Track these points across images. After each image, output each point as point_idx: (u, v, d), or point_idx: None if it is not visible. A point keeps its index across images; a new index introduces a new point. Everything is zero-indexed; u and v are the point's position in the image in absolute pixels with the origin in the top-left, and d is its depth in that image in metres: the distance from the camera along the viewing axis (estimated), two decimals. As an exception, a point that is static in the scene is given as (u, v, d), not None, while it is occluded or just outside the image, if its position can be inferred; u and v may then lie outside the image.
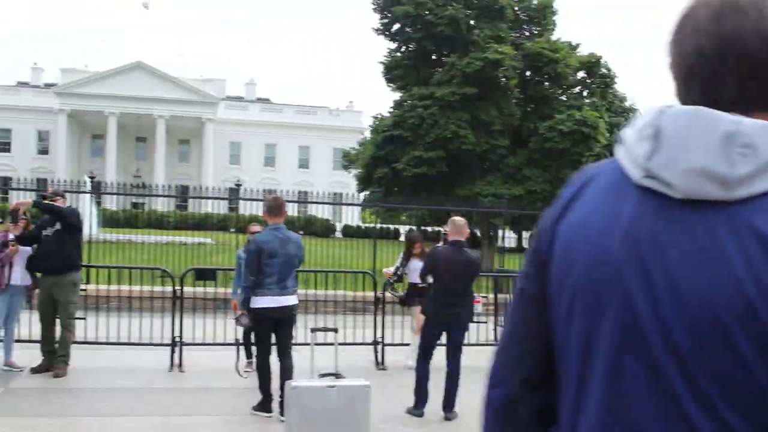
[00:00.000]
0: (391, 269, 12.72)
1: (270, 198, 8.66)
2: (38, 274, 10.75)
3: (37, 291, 10.74)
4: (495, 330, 15.13)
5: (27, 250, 10.57)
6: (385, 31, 39.00)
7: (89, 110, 75.32)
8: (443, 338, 9.30)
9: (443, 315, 8.97)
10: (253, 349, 9.62)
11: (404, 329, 13.31)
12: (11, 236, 10.38)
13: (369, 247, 23.12)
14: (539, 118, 36.75)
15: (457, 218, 9.48)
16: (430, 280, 9.31)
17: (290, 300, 8.39)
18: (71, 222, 10.45)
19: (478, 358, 11.15)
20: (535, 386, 1.54)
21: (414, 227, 42.82)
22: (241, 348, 10.27)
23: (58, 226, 10.42)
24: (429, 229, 44.59)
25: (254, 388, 8.87)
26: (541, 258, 1.51)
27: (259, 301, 8.23)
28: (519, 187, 35.39)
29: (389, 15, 38.12)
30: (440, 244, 11.01)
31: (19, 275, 10.48)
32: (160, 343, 11.86)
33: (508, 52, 35.28)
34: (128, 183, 68.57)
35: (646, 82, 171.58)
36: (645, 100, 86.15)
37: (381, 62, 39.61)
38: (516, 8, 39.08)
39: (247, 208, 28.31)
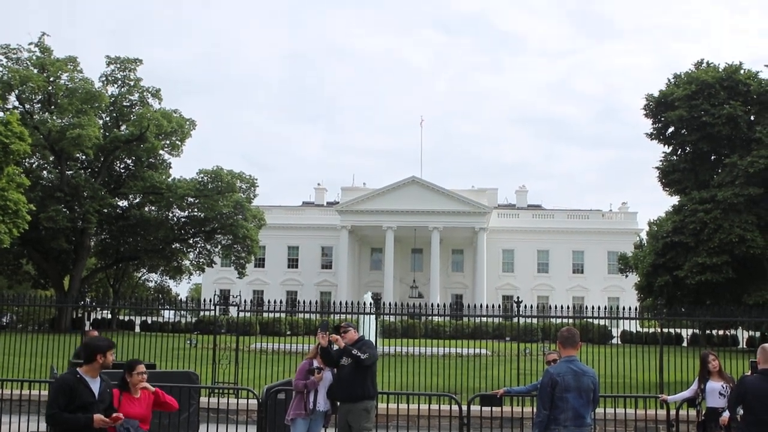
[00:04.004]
0: (680, 395, 12.16)
1: (564, 330, 8.42)
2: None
3: (334, 416, 11.20)
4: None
5: (329, 378, 11.09)
6: (658, 135, 38.20)
7: (368, 225, 79.08)
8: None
9: (757, 449, 8.38)
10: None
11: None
12: (315, 364, 10.97)
13: (653, 356, 22.09)
14: (841, 216, 34.19)
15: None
16: (741, 411, 8.74)
17: None
18: (367, 364, 10.84)
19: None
20: None
21: (697, 331, 40.68)
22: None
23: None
24: (713, 332, 42.20)
25: None
26: None
27: None
28: (818, 292, 32.84)
29: (662, 119, 37.32)
30: (749, 373, 10.34)
31: (322, 401, 11.02)
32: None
33: (798, 146, 33.36)
34: (406, 294, 70.94)
35: None
36: None
37: (657, 167, 38.70)
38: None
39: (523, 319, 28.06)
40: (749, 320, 23.66)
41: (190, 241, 66.57)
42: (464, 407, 12.00)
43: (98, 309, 68.09)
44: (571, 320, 25.83)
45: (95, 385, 7.70)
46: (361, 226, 79.69)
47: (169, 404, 8.79)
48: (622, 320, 52.45)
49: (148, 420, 8.53)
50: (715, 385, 11.41)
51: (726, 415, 10.69)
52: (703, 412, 11.70)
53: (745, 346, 51.01)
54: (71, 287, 58.72)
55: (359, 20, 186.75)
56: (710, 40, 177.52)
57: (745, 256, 33.50)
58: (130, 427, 8.12)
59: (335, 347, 10.97)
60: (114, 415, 7.58)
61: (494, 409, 15.13)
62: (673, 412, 12.39)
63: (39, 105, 58.95)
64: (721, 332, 49.37)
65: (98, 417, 7.47)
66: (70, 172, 59.78)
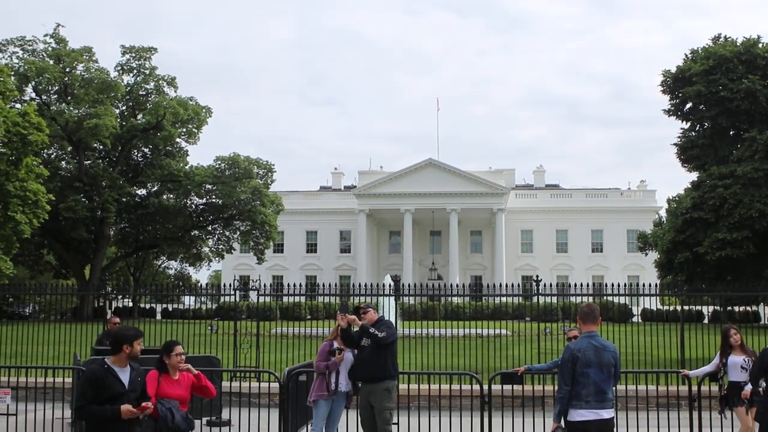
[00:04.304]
0: (701, 370, 12.08)
1: (584, 305, 8.32)
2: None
3: (356, 397, 11.24)
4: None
5: (350, 359, 11.12)
6: (676, 111, 37.91)
7: (386, 208, 79.02)
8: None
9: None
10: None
11: (724, 430, 12.36)
12: (336, 345, 11.00)
13: (673, 333, 21.98)
14: None
15: None
16: (763, 384, 8.68)
17: (609, 413, 7.89)
18: (385, 342, 10.86)
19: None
20: None
21: (718, 308, 40.45)
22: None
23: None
24: (735, 308, 42.01)
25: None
26: None
27: (577, 414, 7.77)
28: (840, 266, 32.59)
29: (680, 95, 37.02)
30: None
31: (344, 382, 11.06)
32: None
33: (817, 120, 33.06)
34: (425, 277, 70.90)
35: None
36: None
37: (675, 143, 38.43)
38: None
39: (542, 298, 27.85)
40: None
41: (209, 228, 66.80)
42: (485, 386, 12.00)
43: (119, 297, 68.74)
44: (591, 298, 25.77)
45: (125, 375, 7.54)
46: (379, 209, 79.63)
47: (209, 389, 8.68)
48: (642, 297, 52.44)
49: (187, 402, 8.43)
50: (737, 359, 11.36)
51: (748, 388, 10.67)
52: (725, 386, 11.65)
53: (767, 322, 50.73)
54: (92, 276, 59.09)
55: (369, 4, 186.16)
56: (723, 16, 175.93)
57: (766, 231, 33.24)
58: (172, 407, 8.02)
59: (354, 329, 11.00)
60: (143, 404, 7.43)
61: (515, 387, 15.13)
62: (695, 387, 12.32)
63: (56, 96, 59.24)
64: (742, 308, 49.06)
65: (125, 408, 7.27)
66: (88, 161, 60.07)
